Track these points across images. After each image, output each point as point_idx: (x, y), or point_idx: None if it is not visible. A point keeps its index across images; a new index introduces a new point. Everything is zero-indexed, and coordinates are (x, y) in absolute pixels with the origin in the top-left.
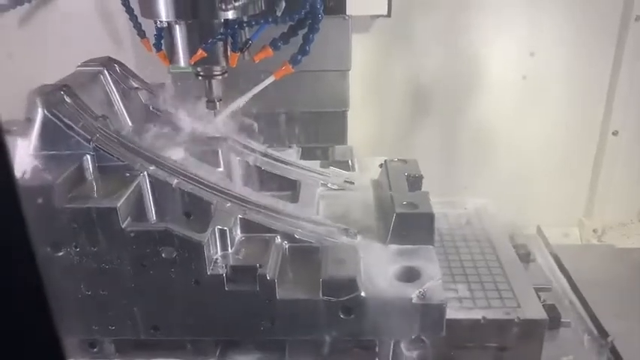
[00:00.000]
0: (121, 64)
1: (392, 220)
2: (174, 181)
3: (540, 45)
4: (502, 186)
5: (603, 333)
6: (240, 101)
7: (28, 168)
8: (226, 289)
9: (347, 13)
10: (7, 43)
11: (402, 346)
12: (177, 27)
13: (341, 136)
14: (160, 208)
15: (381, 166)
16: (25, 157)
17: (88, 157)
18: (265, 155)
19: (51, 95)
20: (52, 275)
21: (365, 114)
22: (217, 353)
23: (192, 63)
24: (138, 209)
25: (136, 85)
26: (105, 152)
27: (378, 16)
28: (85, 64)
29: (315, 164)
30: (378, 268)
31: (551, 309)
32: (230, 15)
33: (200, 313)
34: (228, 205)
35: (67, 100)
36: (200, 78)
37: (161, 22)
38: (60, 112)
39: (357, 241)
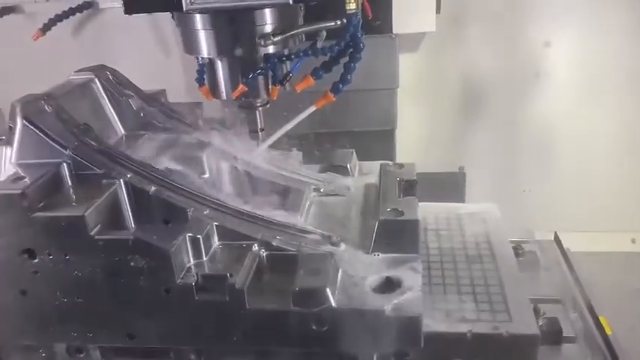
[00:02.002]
0: (114, 72)
1: (375, 227)
2: (152, 189)
3: (600, 41)
4: (564, 188)
5: (611, 349)
6: (282, 131)
7: (9, 176)
8: (196, 298)
9: (393, 31)
10: (61, 53)
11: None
12: (218, 62)
13: (389, 155)
14: (140, 215)
15: None
16: (8, 165)
17: (65, 165)
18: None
19: (31, 104)
20: (29, 282)
21: (416, 123)
22: None
23: (234, 98)
24: (116, 217)
25: (127, 93)
26: (82, 160)
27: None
28: (78, 72)
29: (312, 169)
30: (357, 278)
31: (552, 323)
32: (270, 50)
33: (173, 321)
34: (206, 212)
35: (48, 109)
36: (242, 109)
37: (203, 58)
38: (38, 120)
39: (341, 249)
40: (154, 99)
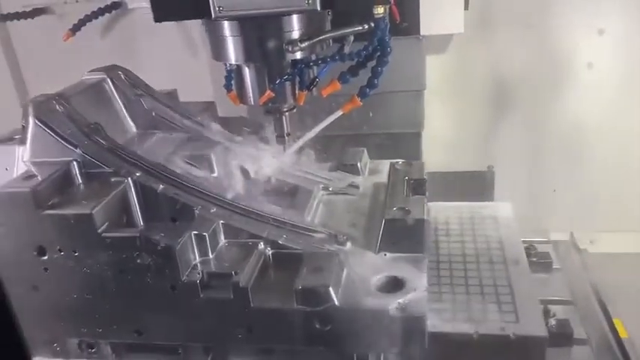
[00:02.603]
0: (126, 72)
1: (381, 226)
2: (160, 187)
3: (636, 39)
4: (595, 188)
5: (625, 352)
6: (309, 135)
7: (21, 174)
8: (201, 295)
9: (421, 33)
10: (90, 53)
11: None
12: (246, 69)
13: (415, 157)
14: (148, 213)
15: None
16: (21, 164)
17: (75, 163)
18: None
19: (43, 104)
20: (40, 278)
21: (444, 124)
22: (210, 357)
23: (262, 103)
24: (125, 215)
25: (139, 92)
26: (91, 159)
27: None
28: (90, 72)
29: (323, 167)
30: (362, 277)
31: (562, 324)
32: (297, 55)
33: (179, 318)
34: (213, 210)
35: (59, 108)
36: (269, 114)
37: (231, 64)
38: (49, 120)
39: (347, 248)
40: (167, 98)
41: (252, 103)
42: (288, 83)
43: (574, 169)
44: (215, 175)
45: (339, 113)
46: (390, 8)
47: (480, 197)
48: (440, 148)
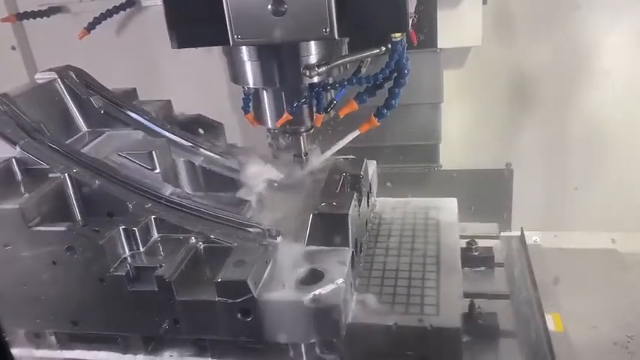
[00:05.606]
0: (79, 72)
1: (309, 220)
2: (96, 183)
3: None
4: (620, 186)
5: (550, 345)
6: (326, 155)
7: None
8: (128, 288)
9: (438, 46)
10: (106, 50)
11: (317, 349)
12: (264, 92)
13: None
14: (87, 208)
15: None
16: None
17: (14, 160)
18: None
19: None
20: None
21: (462, 124)
22: (150, 348)
23: (279, 126)
24: (63, 209)
25: (89, 92)
26: (30, 156)
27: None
28: (42, 72)
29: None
30: (286, 270)
31: (487, 318)
32: (315, 80)
33: (110, 309)
34: (148, 205)
35: (1, 108)
36: (287, 135)
37: (249, 87)
38: None
39: (277, 242)
40: (121, 97)
41: (270, 125)
42: (305, 106)
43: (596, 167)
44: (157, 171)
45: (357, 133)
46: (408, 32)
47: (498, 195)
48: (458, 147)
